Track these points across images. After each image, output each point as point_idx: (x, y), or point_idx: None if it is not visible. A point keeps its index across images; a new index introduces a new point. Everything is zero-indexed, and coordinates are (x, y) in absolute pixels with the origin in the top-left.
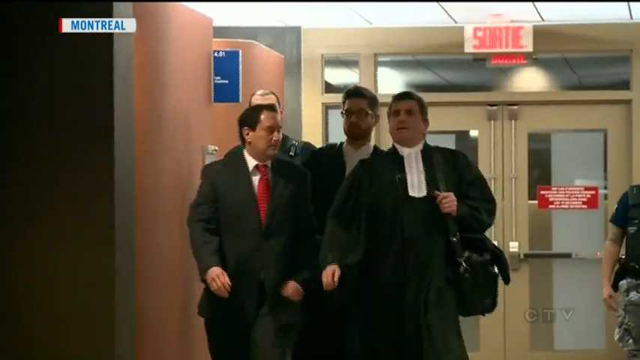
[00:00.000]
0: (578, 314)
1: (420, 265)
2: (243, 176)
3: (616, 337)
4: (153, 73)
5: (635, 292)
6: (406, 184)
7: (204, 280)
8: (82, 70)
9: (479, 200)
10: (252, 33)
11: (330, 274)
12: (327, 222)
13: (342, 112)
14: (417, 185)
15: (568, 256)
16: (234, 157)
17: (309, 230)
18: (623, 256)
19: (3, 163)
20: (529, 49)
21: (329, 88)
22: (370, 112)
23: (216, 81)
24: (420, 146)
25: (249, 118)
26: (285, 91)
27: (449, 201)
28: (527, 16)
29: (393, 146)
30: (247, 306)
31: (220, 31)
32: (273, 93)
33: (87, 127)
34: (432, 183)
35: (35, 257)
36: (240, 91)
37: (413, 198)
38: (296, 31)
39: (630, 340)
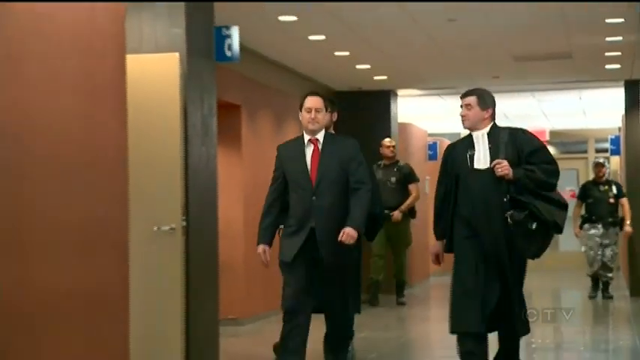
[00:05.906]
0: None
1: (486, 222)
2: (300, 149)
3: (583, 251)
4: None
5: (592, 230)
6: (474, 159)
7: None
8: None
9: (538, 164)
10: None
11: (436, 257)
12: (435, 194)
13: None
14: (482, 159)
15: None
16: (301, 135)
17: (357, 187)
18: (583, 213)
19: None
20: (548, 139)
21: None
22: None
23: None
24: (487, 129)
25: (300, 104)
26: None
27: (502, 166)
28: (546, 125)
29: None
30: (297, 247)
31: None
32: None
33: None
34: (494, 156)
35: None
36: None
37: (479, 169)
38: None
39: (592, 253)
